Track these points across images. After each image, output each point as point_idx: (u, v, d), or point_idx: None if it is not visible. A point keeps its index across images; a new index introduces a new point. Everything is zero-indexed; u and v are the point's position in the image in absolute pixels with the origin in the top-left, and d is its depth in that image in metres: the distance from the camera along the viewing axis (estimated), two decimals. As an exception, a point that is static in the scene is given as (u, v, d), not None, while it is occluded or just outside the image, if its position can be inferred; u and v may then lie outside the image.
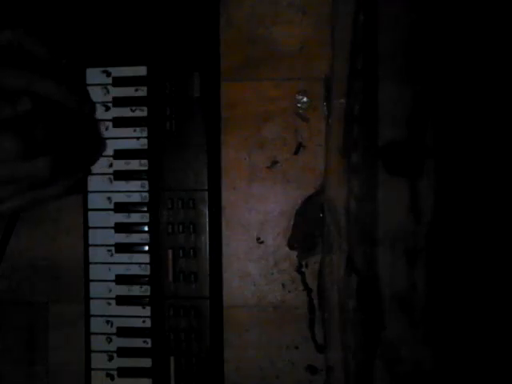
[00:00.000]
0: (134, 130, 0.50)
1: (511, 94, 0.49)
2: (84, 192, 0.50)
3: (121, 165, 0.50)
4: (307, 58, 0.51)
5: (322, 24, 0.51)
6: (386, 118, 0.50)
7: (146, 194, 0.50)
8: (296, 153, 0.51)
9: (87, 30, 0.50)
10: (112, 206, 0.50)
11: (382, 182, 0.50)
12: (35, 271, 0.53)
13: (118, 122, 0.50)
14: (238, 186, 0.51)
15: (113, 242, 0.50)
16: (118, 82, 0.50)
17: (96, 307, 0.50)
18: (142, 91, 0.50)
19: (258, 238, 0.51)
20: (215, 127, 0.51)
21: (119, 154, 0.50)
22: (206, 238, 0.49)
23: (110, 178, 0.50)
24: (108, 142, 0.50)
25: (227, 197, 0.51)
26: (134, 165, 0.50)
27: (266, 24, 0.51)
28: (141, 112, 0.50)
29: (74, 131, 0.48)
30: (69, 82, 0.47)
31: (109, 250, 0.50)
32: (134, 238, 0.50)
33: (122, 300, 0.50)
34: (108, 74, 0.50)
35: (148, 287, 0.50)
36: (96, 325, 0.50)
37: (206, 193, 0.49)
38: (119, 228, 0.50)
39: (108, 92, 0.50)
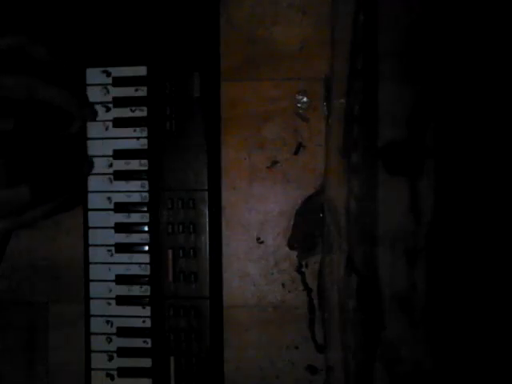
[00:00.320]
0: (134, 130, 0.50)
1: (511, 94, 0.49)
2: (84, 194, 0.50)
3: (121, 165, 0.50)
4: (307, 58, 0.51)
5: (322, 24, 0.51)
6: (386, 118, 0.50)
7: (146, 194, 0.50)
8: (296, 153, 0.51)
9: (87, 30, 0.50)
10: (112, 206, 0.50)
11: (382, 181, 0.50)
12: (35, 271, 0.53)
13: (118, 122, 0.50)
14: (238, 186, 0.51)
15: (113, 242, 0.50)
16: (118, 81, 0.50)
17: (96, 307, 0.50)
18: (142, 91, 0.50)
19: (258, 238, 0.51)
20: (215, 127, 0.51)
21: (119, 154, 0.50)
22: (206, 238, 0.49)
23: (109, 178, 0.50)
24: (108, 142, 0.50)
25: (227, 197, 0.51)
26: (134, 165, 0.50)
27: (265, 24, 0.51)
28: (141, 112, 0.50)
29: (56, 152, 0.48)
30: (70, 87, 0.47)
31: (109, 250, 0.50)
32: (134, 237, 0.50)
33: (121, 300, 0.50)
34: (108, 74, 0.50)
35: (148, 287, 0.50)
36: (96, 325, 0.50)
37: (206, 193, 0.49)
38: (119, 228, 0.50)
39: (108, 92, 0.50)
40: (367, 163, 0.50)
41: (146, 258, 0.50)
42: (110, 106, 0.50)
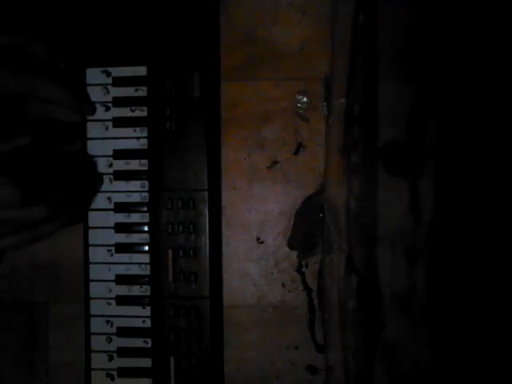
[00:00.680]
0: (134, 130, 0.50)
1: (511, 95, 0.49)
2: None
3: (121, 165, 0.50)
4: (307, 58, 0.51)
5: (322, 24, 0.51)
6: (385, 118, 0.50)
7: (146, 194, 0.50)
8: (296, 153, 0.51)
9: (87, 30, 0.50)
10: (112, 206, 0.50)
11: (381, 182, 0.50)
12: (35, 271, 0.53)
13: (118, 122, 0.50)
14: (238, 186, 0.51)
15: (113, 242, 0.50)
16: (118, 82, 0.50)
17: (96, 307, 0.50)
18: (142, 91, 0.50)
19: (258, 238, 0.51)
20: (215, 127, 0.51)
21: (119, 154, 0.50)
22: (206, 238, 0.49)
23: (110, 178, 0.50)
24: (108, 142, 0.50)
25: (227, 197, 0.51)
26: (134, 165, 0.50)
27: (266, 24, 0.51)
28: (141, 112, 0.50)
29: (70, 170, 0.48)
30: (69, 84, 0.48)
31: (109, 250, 0.50)
32: (134, 237, 0.50)
33: (121, 300, 0.50)
34: (108, 74, 0.50)
35: (148, 287, 0.50)
36: (96, 325, 0.50)
37: (206, 193, 0.49)
38: (119, 228, 0.50)
39: (108, 92, 0.50)
40: (367, 163, 0.50)
41: (146, 258, 0.50)
42: (110, 105, 0.50)
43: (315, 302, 0.51)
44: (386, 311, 0.50)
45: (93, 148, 0.50)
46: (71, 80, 0.49)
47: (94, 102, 0.50)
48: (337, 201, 0.51)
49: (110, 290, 0.50)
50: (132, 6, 0.50)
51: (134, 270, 0.50)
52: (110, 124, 0.50)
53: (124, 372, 0.50)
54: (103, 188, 0.50)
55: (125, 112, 0.50)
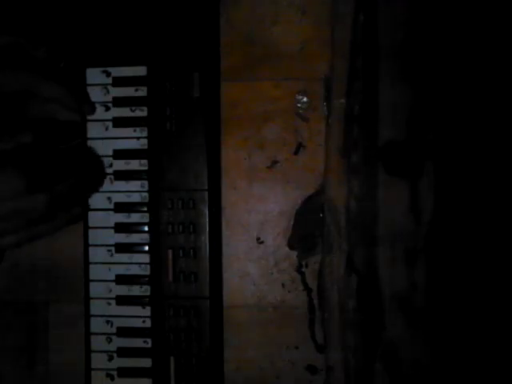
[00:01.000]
0: (134, 130, 0.50)
1: (511, 95, 0.49)
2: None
3: (121, 165, 0.50)
4: (307, 58, 0.51)
5: (322, 24, 0.51)
6: (386, 118, 0.50)
7: (146, 194, 0.50)
8: (296, 153, 0.51)
9: (87, 30, 0.50)
10: (112, 206, 0.50)
11: (381, 182, 0.50)
12: (35, 271, 0.53)
13: (118, 122, 0.50)
14: (238, 186, 0.51)
15: (113, 242, 0.50)
16: (118, 81, 0.50)
17: (96, 307, 0.50)
18: (142, 91, 0.50)
19: (258, 238, 0.51)
20: (215, 127, 0.51)
21: (119, 154, 0.50)
22: (205, 238, 0.49)
23: (110, 178, 0.50)
24: (108, 142, 0.50)
25: (227, 197, 0.51)
26: (134, 165, 0.50)
27: (265, 24, 0.51)
28: (141, 112, 0.50)
29: (70, 165, 0.48)
30: (69, 84, 0.48)
31: (109, 250, 0.50)
32: (134, 237, 0.50)
33: (121, 300, 0.50)
34: (108, 74, 0.50)
35: (148, 287, 0.50)
36: (96, 325, 0.50)
37: (206, 193, 0.49)
38: (119, 228, 0.50)
39: (108, 92, 0.50)
40: (367, 163, 0.50)
41: (146, 258, 0.50)
42: (110, 105, 0.50)
43: (315, 302, 0.51)
44: (386, 311, 0.50)
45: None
46: (71, 80, 0.49)
47: (93, 102, 0.50)
48: (337, 201, 0.51)
49: (110, 290, 0.50)
50: (132, 6, 0.50)
51: (134, 270, 0.50)
52: (110, 124, 0.50)
53: (124, 372, 0.50)
54: (103, 188, 0.50)
55: (125, 112, 0.50)
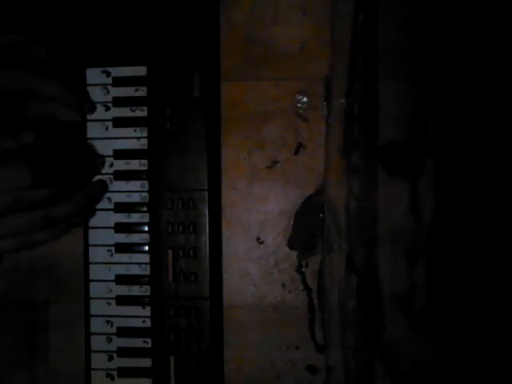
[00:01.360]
0: (134, 130, 0.50)
1: (511, 94, 0.49)
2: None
3: (121, 165, 0.50)
4: (307, 58, 0.51)
5: (322, 24, 0.51)
6: (386, 118, 0.50)
7: (146, 194, 0.50)
8: (296, 153, 0.51)
9: (87, 30, 0.50)
10: (112, 206, 0.50)
11: (381, 181, 0.50)
12: (35, 271, 0.53)
13: (118, 122, 0.50)
14: (238, 186, 0.51)
15: (113, 242, 0.50)
16: (118, 81, 0.50)
17: (96, 307, 0.50)
18: (142, 91, 0.50)
19: (258, 238, 0.51)
20: (215, 127, 0.51)
21: (119, 154, 0.50)
22: (206, 238, 0.49)
23: (109, 178, 0.50)
24: (108, 142, 0.50)
25: (227, 197, 0.51)
26: (134, 165, 0.50)
27: (265, 24, 0.51)
28: (141, 112, 0.50)
29: (71, 164, 0.48)
30: (68, 83, 0.48)
31: (109, 250, 0.50)
32: (134, 237, 0.50)
33: (121, 300, 0.50)
34: (108, 74, 0.50)
35: (148, 287, 0.50)
36: (96, 325, 0.50)
37: (206, 193, 0.49)
38: (119, 228, 0.50)
39: (108, 92, 0.50)
40: (367, 163, 0.50)
41: (146, 258, 0.50)
42: (110, 105, 0.50)
43: (315, 302, 0.51)
44: (386, 311, 0.50)
45: (93, 148, 0.50)
46: (71, 79, 0.49)
47: (93, 101, 0.50)
48: (337, 201, 0.50)
49: (110, 290, 0.50)
50: (132, 6, 0.50)
51: (134, 270, 0.50)
52: (110, 124, 0.50)
53: (124, 372, 0.50)
54: (103, 188, 0.50)
55: (125, 112, 0.50)
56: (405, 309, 0.50)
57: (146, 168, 0.50)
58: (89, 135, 0.50)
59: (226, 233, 0.51)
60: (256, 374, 0.51)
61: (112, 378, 0.50)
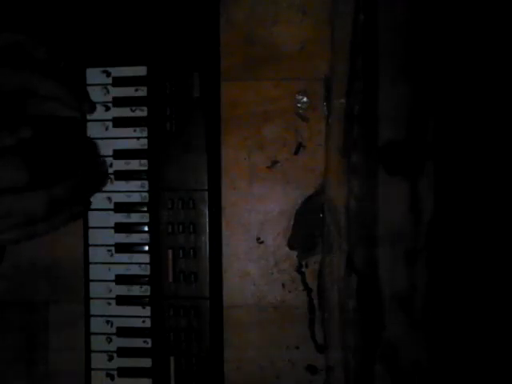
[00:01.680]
0: (134, 130, 0.50)
1: (511, 94, 0.49)
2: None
3: (121, 165, 0.50)
4: (307, 58, 0.51)
5: (322, 24, 0.51)
6: (386, 118, 0.50)
7: (146, 194, 0.50)
8: (296, 153, 0.51)
9: (87, 30, 0.50)
10: (112, 206, 0.50)
11: (381, 181, 0.50)
12: (35, 271, 0.53)
13: (118, 122, 0.50)
14: (238, 186, 0.51)
15: (113, 242, 0.50)
16: (118, 81, 0.50)
17: (96, 307, 0.50)
18: (142, 91, 0.50)
19: (258, 238, 0.51)
20: (215, 127, 0.51)
21: (119, 154, 0.50)
22: (206, 238, 0.49)
23: (110, 178, 0.50)
24: (108, 142, 0.50)
25: (227, 197, 0.51)
26: (134, 165, 0.50)
27: (265, 24, 0.51)
28: (141, 112, 0.50)
29: (72, 162, 0.48)
30: (68, 83, 0.48)
31: (109, 250, 0.50)
32: (134, 237, 0.50)
33: (122, 300, 0.50)
34: (108, 74, 0.50)
35: (148, 287, 0.50)
36: (96, 325, 0.50)
37: (206, 193, 0.49)
38: (119, 228, 0.50)
39: (108, 92, 0.50)
40: (367, 163, 0.50)
41: (146, 258, 0.50)
42: (110, 105, 0.50)
43: (315, 302, 0.51)
44: (386, 311, 0.50)
45: (93, 148, 0.50)
46: (71, 79, 0.49)
47: (93, 101, 0.50)
48: (337, 201, 0.51)
49: (110, 290, 0.50)
50: (132, 6, 0.50)
51: (134, 270, 0.50)
52: (110, 124, 0.50)
53: (124, 372, 0.50)
54: (103, 188, 0.50)
55: (125, 112, 0.50)
56: (405, 309, 0.50)
57: (146, 168, 0.50)
58: (89, 135, 0.50)
59: (225, 233, 0.51)
60: (256, 374, 0.51)
61: (112, 377, 0.50)
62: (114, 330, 0.50)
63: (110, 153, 0.50)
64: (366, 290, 0.50)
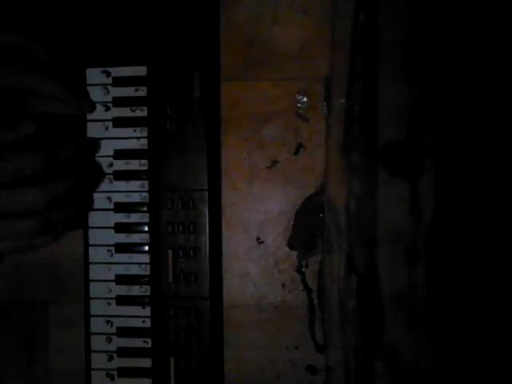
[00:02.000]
0: (134, 130, 0.50)
1: (511, 94, 0.49)
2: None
3: (121, 165, 0.50)
4: (307, 58, 0.51)
5: (322, 24, 0.51)
6: (385, 118, 0.50)
7: (146, 194, 0.50)
8: (296, 153, 0.51)
9: (87, 30, 0.50)
10: (112, 206, 0.50)
11: (382, 181, 0.50)
12: (35, 271, 0.53)
13: (118, 122, 0.50)
14: (238, 186, 0.51)
15: (113, 242, 0.50)
16: (118, 81, 0.50)
17: (96, 307, 0.50)
18: (142, 91, 0.50)
19: (258, 238, 0.51)
20: (215, 127, 0.51)
21: (119, 154, 0.50)
22: (205, 238, 0.49)
23: (109, 178, 0.50)
24: (108, 142, 0.50)
25: (227, 197, 0.51)
26: (134, 165, 0.50)
27: (265, 24, 0.51)
28: (141, 112, 0.50)
29: (71, 161, 0.48)
30: (68, 82, 0.48)
31: (109, 250, 0.50)
32: (134, 237, 0.50)
33: (122, 300, 0.50)
34: (108, 74, 0.50)
35: (148, 287, 0.50)
36: (96, 325, 0.50)
37: (206, 193, 0.49)
38: (119, 228, 0.50)
39: (108, 92, 0.50)
40: (367, 163, 0.50)
41: (146, 258, 0.50)
42: (110, 105, 0.50)
43: (315, 302, 0.51)
44: (386, 311, 0.50)
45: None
46: (71, 79, 0.49)
47: (93, 101, 0.50)
48: (337, 201, 0.51)
49: (110, 290, 0.50)
50: (132, 6, 0.50)
51: (134, 270, 0.50)
52: (110, 124, 0.50)
53: (124, 372, 0.50)
54: (103, 188, 0.50)
55: (125, 112, 0.50)
56: (405, 309, 0.50)
57: (146, 168, 0.50)
58: (89, 135, 0.50)
59: (226, 233, 0.51)
60: (256, 374, 0.51)
61: (112, 378, 0.50)
62: (114, 330, 0.50)
63: (110, 153, 0.50)
64: (366, 290, 0.50)
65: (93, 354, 0.51)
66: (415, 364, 0.50)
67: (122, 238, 0.50)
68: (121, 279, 0.50)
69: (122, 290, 0.50)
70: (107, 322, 0.50)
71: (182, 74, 0.49)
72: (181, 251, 0.49)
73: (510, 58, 0.49)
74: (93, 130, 0.50)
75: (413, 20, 0.50)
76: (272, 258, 0.51)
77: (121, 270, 0.50)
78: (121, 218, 0.50)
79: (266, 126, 0.51)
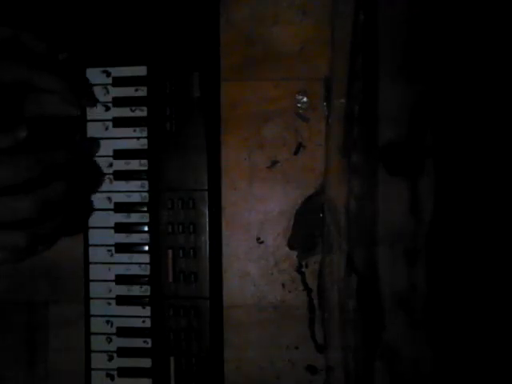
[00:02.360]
0: (134, 130, 0.50)
1: (511, 94, 0.49)
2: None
3: (121, 165, 0.50)
4: (307, 58, 0.51)
5: (322, 24, 0.51)
6: (385, 118, 0.50)
7: (146, 194, 0.50)
8: (296, 153, 0.51)
9: (87, 30, 0.50)
10: (112, 206, 0.50)
11: (382, 181, 0.50)
12: (35, 271, 0.53)
13: (118, 122, 0.50)
14: (238, 186, 0.51)
15: (113, 242, 0.50)
16: (118, 81, 0.50)
17: (96, 307, 0.50)
18: (142, 91, 0.50)
19: (258, 238, 0.51)
20: (215, 127, 0.51)
21: (119, 154, 0.50)
22: (205, 238, 0.49)
23: (109, 178, 0.50)
24: (108, 141, 0.50)
25: (227, 197, 0.51)
26: (134, 165, 0.50)
27: (265, 24, 0.51)
28: (141, 112, 0.50)
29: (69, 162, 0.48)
30: (69, 77, 0.47)
31: (109, 250, 0.50)
32: (134, 237, 0.50)
33: (122, 300, 0.50)
34: (108, 74, 0.50)
35: (148, 287, 0.50)
36: (96, 325, 0.50)
37: (206, 193, 0.49)
38: (119, 228, 0.50)
39: (108, 92, 0.50)
40: (367, 163, 0.50)
41: (146, 258, 0.50)
42: (110, 105, 0.50)
43: (315, 301, 0.51)
44: (386, 311, 0.50)
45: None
46: (71, 74, 0.49)
47: (94, 96, 0.50)
48: (337, 201, 0.51)
49: (110, 290, 0.50)
50: (132, 6, 0.50)
51: (134, 270, 0.50)
52: (110, 124, 0.50)
53: (124, 372, 0.50)
54: (103, 188, 0.50)
55: (125, 112, 0.50)
56: (405, 309, 0.50)
57: (146, 168, 0.50)
58: (89, 135, 0.50)
59: (225, 233, 0.51)
60: (256, 374, 0.51)
61: (112, 378, 0.50)
62: (114, 330, 0.50)
63: (110, 153, 0.50)
64: (366, 290, 0.50)
65: (93, 354, 0.51)
66: (415, 364, 0.50)
67: (122, 238, 0.50)
68: (121, 279, 0.50)
69: (122, 290, 0.50)
70: (107, 321, 0.50)
71: (181, 74, 0.49)
72: (181, 251, 0.49)
73: (510, 58, 0.49)
74: (93, 130, 0.50)
75: (413, 20, 0.50)
76: (272, 258, 0.51)
77: (121, 269, 0.50)
78: (121, 218, 0.50)
79: (265, 126, 0.51)
